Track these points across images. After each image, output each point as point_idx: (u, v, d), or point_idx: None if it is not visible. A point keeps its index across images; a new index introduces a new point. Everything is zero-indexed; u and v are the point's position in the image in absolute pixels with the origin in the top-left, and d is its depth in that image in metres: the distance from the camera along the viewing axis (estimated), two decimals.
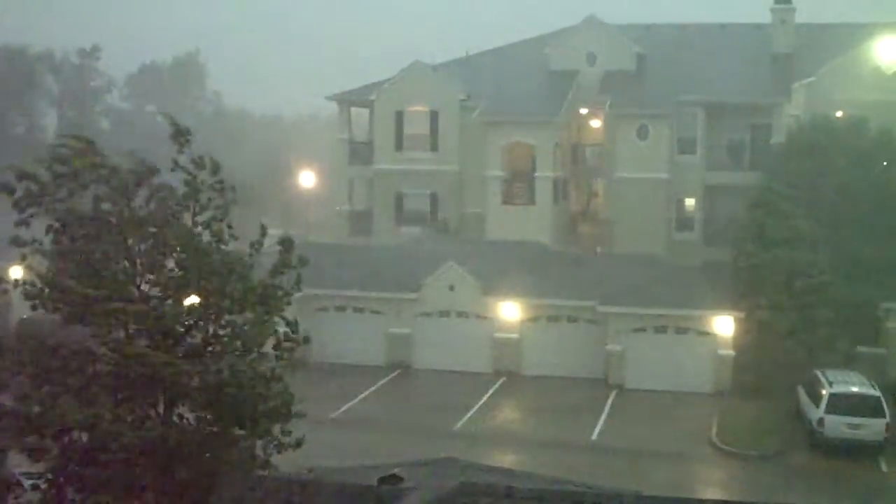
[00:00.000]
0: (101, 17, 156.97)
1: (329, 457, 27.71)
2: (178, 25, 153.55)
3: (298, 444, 21.99)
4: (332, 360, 48.04)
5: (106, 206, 21.74)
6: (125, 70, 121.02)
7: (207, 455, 21.56)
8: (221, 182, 22.20)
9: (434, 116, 62.51)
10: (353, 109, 67.43)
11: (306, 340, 23.11)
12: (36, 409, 20.84)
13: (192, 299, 21.96)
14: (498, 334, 49.08)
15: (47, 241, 21.78)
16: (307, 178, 76.26)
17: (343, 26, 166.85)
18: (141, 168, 21.88)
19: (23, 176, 21.27)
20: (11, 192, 21.13)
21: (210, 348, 21.90)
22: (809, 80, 59.31)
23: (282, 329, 22.64)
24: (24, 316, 32.22)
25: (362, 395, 45.03)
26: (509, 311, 48.77)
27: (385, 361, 49.72)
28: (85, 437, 21.03)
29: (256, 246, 22.43)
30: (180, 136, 22.11)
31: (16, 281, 21.46)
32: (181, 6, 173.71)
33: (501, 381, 47.58)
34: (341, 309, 50.71)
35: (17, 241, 21.03)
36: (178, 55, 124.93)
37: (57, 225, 21.63)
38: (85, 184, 21.61)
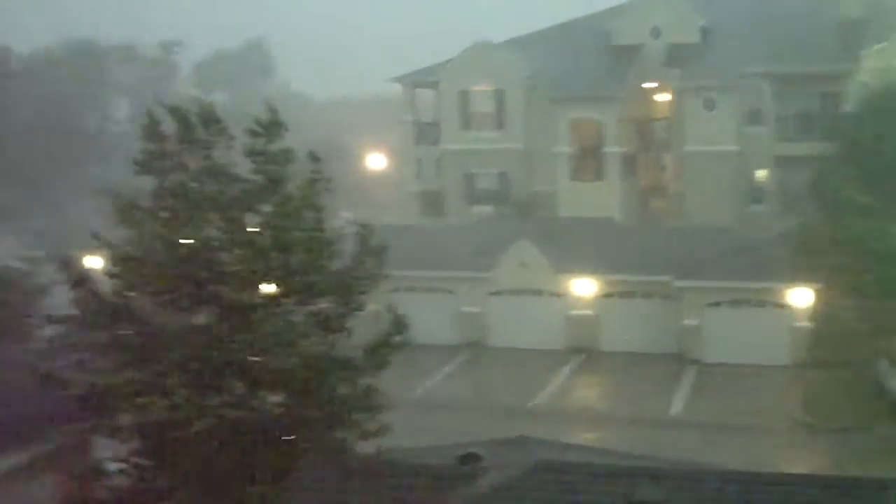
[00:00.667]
0: (170, 4, 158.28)
1: (407, 438, 27.74)
2: (245, 12, 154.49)
3: (382, 432, 22.06)
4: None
5: (207, 182, 21.85)
6: (191, 58, 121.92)
7: (287, 439, 21.75)
8: (320, 171, 22.29)
9: (499, 95, 62.37)
10: (419, 90, 67.45)
11: (403, 328, 23.03)
12: (119, 389, 21.16)
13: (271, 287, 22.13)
14: (572, 311, 48.92)
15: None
16: (375, 160, 76.38)
17: (404, 6, 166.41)
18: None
19: (152, 131, 21.56)
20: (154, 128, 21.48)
21: (291, 333, 22.01)
22: (880, 45, 58.13)
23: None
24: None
25: (438, 376, 45.13)
26: (583, 288, 48.59)
27: (459, 341, 49.77)
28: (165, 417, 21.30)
29: (338, 232, 22.51)
30: (276, 126, 22.19)
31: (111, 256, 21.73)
32: None
33: (576, 358, 47.45)
34: (413, 289, 50.77)
35: (97, 239, 21.35)
36: (247, 41, 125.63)
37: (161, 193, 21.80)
38: (207, 151, 21.79)
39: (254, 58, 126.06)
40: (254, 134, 22.01)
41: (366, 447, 22.03)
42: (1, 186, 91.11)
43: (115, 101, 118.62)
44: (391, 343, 22.79)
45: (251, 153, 21.96)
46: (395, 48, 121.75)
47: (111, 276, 21.72)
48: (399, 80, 66.99)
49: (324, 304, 22.24)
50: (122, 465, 22.05)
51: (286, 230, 21.66)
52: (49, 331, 24.67)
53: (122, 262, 21.68)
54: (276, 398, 21.90)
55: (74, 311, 22.31)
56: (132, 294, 21.95)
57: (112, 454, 23.11)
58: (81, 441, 23.97)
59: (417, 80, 66.30)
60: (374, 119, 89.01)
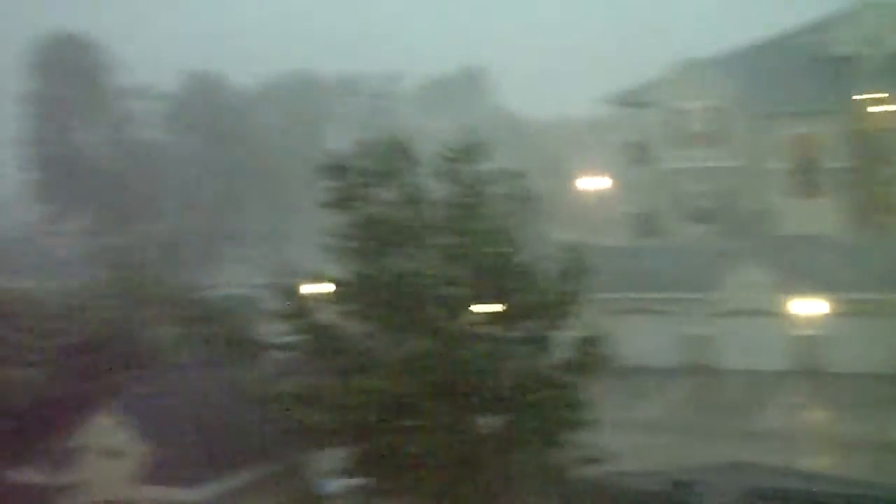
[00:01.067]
0: (388, 34, 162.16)
1: (622, 461, 27.53)
2: (460, 36, 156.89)
3: (599, 459, 21.85)
4: (624, 363, 47.66)
5: (403, 211, 22.37)
6: (410, 87, 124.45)
7: (502, 462, 21.86)
8: (523, 190, 22.48)
9: (713, 112, 61.26)
10: (631, 109, 66.91)
11: (602, 344, 22.95)
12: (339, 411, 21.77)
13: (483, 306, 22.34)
14: (797, 331, 47.61)
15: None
16: (588, 181, 76.10)
17: (610, 28, 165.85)
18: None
19: (339, 171, 22.27)
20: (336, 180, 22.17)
21: (501, 355, 22.17)
22: None
23: (577, 335, 22.68)
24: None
25: (656, 397, 44.56)
26: (808, 307, 47.24)
27: (678, 362, 49.03)
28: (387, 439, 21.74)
29: (545, 256, 22.60)
30: (475, 150, 22.54)
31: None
32: (463, 17, 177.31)
33: (801, 379, 46.05)
34: (631, 311, 50.33)
35: (325, 245, 22.09)
36: (466, 67, 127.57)
37: (359, 225, 22.40)
38: (395, 182, 22.35)
39: (472, 83, 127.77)
40: (449, 160, 22.36)
41: (582, 471, 21.94)
42: (232, 216, 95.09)
43: (333, 133, 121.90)
44: (593, 363, 22.65)
45: (446, 177, 22.28)
46: (603, 69, 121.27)
47: (330, 304, 22.36)
48: (609, 100, 66.65)
49: (530, 326, 22.30)
50: (341, 488, 22.60)
51: (487, 254, 21.88)
52: (274, 356, 25.49)
53: (339, 291, 22.28)
54: (488, 421, 22.07)
55: (296, 339, 23.05)
56: (348, 323, 22.56)
57: (332, 475, 23.74)
58: (303, 463, 24.70)
59: (628, 100, 65.80)
60: (587, 140, 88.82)
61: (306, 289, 26.25)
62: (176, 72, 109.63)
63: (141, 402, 24.86)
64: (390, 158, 22.43)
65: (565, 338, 22.67)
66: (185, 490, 22.65)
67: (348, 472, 22.68)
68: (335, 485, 23.39)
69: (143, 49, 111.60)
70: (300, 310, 22.77)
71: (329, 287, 22.66)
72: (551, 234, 78.75)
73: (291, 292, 23.21)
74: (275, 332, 24.26)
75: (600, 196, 77.70)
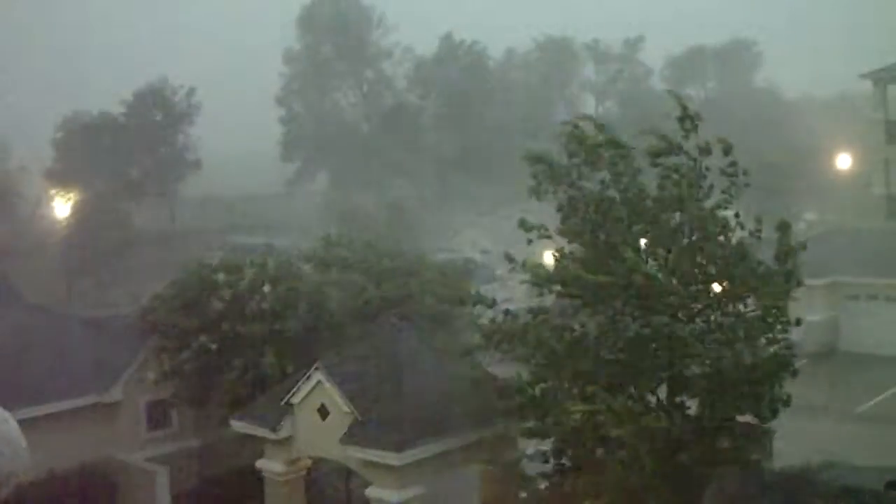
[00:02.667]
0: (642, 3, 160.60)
1: (848, 453, 26.29)
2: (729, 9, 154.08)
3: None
4: (863, 351, 45.55)
5: (611, 191, 21.91)
6: (660, 56, 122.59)
7: (707, 445, 21.23)
8: (734, 165, 21.70)
9: None
10: (891, 87, 63.59)
11: (798, 323, 21.92)
12: (538, 392, 21.56)
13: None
14: None
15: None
16: (841, 161, 73.20)
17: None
18: (661, 144, 21.81)
19: (537, 160, 22.03)
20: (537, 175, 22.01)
21: (714, 336, 21.44)
22: None
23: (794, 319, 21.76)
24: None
25: (892, 389, 42.30)
26: None
27: None
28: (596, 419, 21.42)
29: (756, 234, 21.74)
30: (687, 119, 21.90)
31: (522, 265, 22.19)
32: None
33: None
34: (873, 297, 47.95)
35: (523, 225, 21.84)
36: (731, 38, 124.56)
37: (566, 208, 22.07)
38: (596, 165, 21.96)
39: (733, 55, 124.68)
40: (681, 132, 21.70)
41: (794, 455, 21.13)
42: (479, 181, 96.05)
43: (583, 98, 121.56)
44: (791, 351, 21.60)
45: (657, 156, 21.64)
46: (859, 45, 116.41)
47: (533, 283, 22.14)
48: (870, 76, 63.47)
49: (745, 310, 21.48)
50: (543, 467, 22.45)
51: (703, 237, 21.17)
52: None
53: (559, 267, 22.02)
54: (690, 406, 21.46)
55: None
56: (564, 300, 22.30)
57: (534, 454, 23.61)
58: (509, 437, 24.66)
59: (890, 77, 62.46)
60: (841, 118, 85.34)
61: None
62: (434, 36, 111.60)
63: (351, 364, 25.28)
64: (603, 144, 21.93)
65: (782, 321, 21.65)
66: (390, 453, 22.91)
67: (553, 451, 22.50)
68: (538, 461, 23.20)
69: (405, 10, 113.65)
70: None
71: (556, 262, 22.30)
72: (802, 213, 76.41)
73: (512, 259, 23.00)
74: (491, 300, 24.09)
75: (852, 176, 74.60)
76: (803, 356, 22.08)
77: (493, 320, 23.22)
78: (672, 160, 21.77)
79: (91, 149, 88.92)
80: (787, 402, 20.88)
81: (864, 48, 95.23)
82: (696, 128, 21.73)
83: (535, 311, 22.93)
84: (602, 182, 21.94)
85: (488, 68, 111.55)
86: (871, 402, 40.49)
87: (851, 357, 44.04)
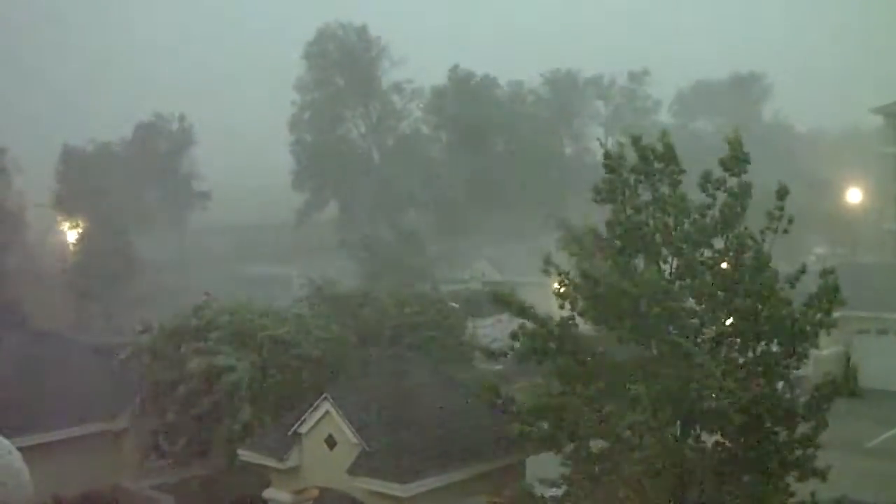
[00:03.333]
0: (649, 39, 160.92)
1: (861, 488, 26.14)
2: (728, 44, 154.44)
3: (823, 475, 20.88)
4: (873, 386, 45.25)
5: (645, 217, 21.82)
6: (669, 90, 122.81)
7: (721, 480, 21.06)
8: (781, 209, 21.47)
9: None
10: None
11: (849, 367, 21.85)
12: (557, 413, 21.46)
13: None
14: None
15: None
16: (852, 195, 73.13)
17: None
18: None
19: (612, 168, 22.03)
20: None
21: (730, 376, 21.18)
22: None
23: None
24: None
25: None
26: None
27: None
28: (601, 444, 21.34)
29: (794, 279, 21.51)
30: (736, 162, 21.75)
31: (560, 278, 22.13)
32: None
33: None
34: (883, 332, 47.75)
35: (564, 240, 21.86)
36: (738, 72, 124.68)
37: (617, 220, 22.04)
38: (654, 183, 21.90)
39: (742, 88, 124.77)
40: (725, 168, 21.61)
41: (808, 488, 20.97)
42: (482, 210, 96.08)
43: (592, 131, 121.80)
44: (838, 391, 21.44)
45: (707, 186, 21.58)
46: (874, 77, 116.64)
47: (560, 302, 22.03)
48: (880, 110, 63.53)
49: (768, 348, 21.30)
50: (556, 491, 22.32)
51: (737, 271, 21.04)
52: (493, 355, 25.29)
53: (571, 290, 21.87)
54: (712, 437, 21.30)
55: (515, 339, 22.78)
56: (576, 322, 22.14)
57: (547, 478, 23.49)
58: (517, 464, 24.54)
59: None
60: (852, 152, 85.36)
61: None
62: (444, 68, 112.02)
63: (360, 395, 25.20)
64: (654, 159, 21.88)
65: (809, 358, 21.55)
66: (397, 484, 22.77)
67: (565, 479, 22.35)
68: (549, 489, 23.08)
69: (414, 45, 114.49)
70: (521, 308, 22.39)
71: (561, 285, 22.17)
72: (812, 247, 76.30)
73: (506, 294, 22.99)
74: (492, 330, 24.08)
75: (863, 210, 74.47)
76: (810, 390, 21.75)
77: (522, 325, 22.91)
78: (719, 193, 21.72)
79: (94, 178, 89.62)
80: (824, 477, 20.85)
81: (877, 82, 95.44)
82: (744, 170, 21.66)
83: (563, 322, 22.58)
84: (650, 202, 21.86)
85: (497, 99, 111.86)
86: (881, 437, 40.27)
87: (862, 392, 43.71)
